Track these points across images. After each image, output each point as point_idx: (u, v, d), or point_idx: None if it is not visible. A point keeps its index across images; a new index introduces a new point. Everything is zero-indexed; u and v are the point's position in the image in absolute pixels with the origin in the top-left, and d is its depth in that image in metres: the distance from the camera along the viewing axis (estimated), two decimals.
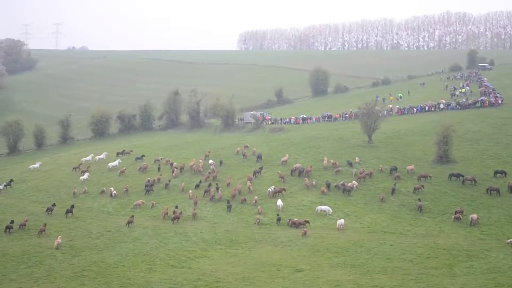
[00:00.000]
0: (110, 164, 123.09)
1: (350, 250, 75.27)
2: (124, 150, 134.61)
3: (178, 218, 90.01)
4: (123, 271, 68.95)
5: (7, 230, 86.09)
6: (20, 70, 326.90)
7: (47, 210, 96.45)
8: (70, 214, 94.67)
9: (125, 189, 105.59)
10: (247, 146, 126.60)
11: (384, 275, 66.32)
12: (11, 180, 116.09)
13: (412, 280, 64.25)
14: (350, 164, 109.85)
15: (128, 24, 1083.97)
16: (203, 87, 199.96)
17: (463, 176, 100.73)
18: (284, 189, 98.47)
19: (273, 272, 67.99)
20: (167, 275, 67.20)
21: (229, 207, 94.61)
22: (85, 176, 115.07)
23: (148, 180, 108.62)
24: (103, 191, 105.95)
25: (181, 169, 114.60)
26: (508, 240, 76.66)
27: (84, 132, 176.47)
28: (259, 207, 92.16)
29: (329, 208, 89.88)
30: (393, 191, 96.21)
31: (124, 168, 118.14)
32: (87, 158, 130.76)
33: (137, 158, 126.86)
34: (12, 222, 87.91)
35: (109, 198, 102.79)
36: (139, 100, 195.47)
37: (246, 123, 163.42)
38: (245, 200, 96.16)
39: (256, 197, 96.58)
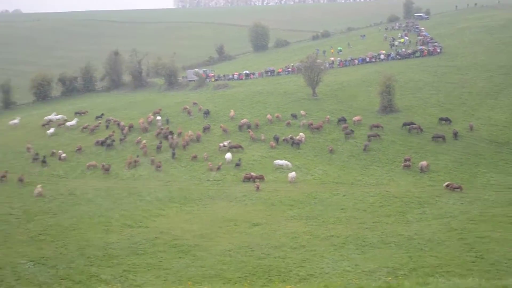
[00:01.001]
0: (68, 124, 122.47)
1: (304, 202, 75.97)
2: (81, 111, 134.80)
3: (108, 170, 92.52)
4: (80, 233, 68.29)
5: None
6: None
7: None
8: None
9: (77, 148, 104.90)
10: (196, 103, 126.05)
11: (340, 225, 67.13)
12: None
13: (367, 229, 65.16)
14: (295, 117, 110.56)
15: None
16: (143, 47, 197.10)
17: (414, 124, 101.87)
18: (241, 146, 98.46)
19: (230, 228, 68.21)
20: (125, 235, 66.82)
21: (173, 155, 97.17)
22: (52, 130, 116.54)
23: (98, 141, 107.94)
24: (53, 153, 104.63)
25: (130, 127, 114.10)
26: (444, 184, 78.44)
27: (26, 96, 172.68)
28: (209, 163, 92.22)
29: (287, 162, 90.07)
30: (365, 147, 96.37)
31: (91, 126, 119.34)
32: (51, 116, 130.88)
33: (97, 117, 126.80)
34: None
35: (58, 162, 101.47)
36: (79, 62, 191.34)
37: (190, 81, 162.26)
38: (195, 157, 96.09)
39: (205, 153, 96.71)
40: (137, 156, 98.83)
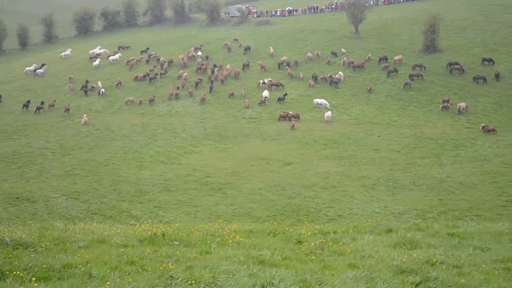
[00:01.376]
0: (111, 58, 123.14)
1: (338, 142, 75.78)
2: (123, 45, 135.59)
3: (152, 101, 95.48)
4: (113, 169, 69.32)
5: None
6: None
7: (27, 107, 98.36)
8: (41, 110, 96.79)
9: (117, 82, 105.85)
10: (237, 40, 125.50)
11: (372, 166, 66.91)
12: None
13: (399, 170, 64.82)
14: (335, 54, 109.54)
15: None
16: None
17: (458, 64, 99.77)
18: (281, 84, 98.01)
19: (262, 166, 68.48)
20: (157, 172, 67.59)
21: (210, 89, 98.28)
22: (97, 62, 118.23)
23: (137, 76, 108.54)
24: (92, 87, 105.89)
25: (170, 63, 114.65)
26: (481, 126, 77.46)
27: (68, 30, 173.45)
28: (246, 100, 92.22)
29: (326, 102, 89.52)
30: (405, 85, 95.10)
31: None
32: (95, 50, 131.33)
33: (142, 51, 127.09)
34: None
35: (96, 96, 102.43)
36: None
37: (232, 16, 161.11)
38: (233, 94, 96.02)
39: (243, 91, 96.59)
40: (177, 89, 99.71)
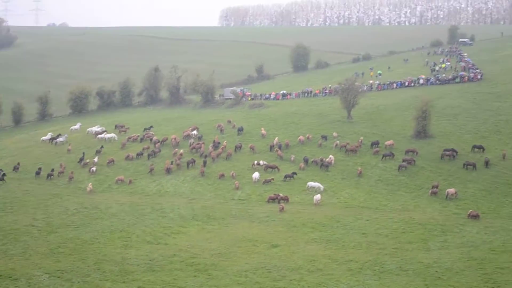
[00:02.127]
0: (106, 136, 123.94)
1: (326, 225, 75.56)
2: (120, 124, 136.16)
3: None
4: (99, 248, 68.82)
5: None
6: None
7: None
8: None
9: (108, 161, 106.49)
10: (230, 121, 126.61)
11: (359, 250, 66.58)
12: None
13: (387, 255, 64.48)
14: (325, 138, 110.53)
15: (110, 0, 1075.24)
16: (184, 64, 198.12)
17: (456, 152, 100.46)
18: (277, 167, 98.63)
19: (249, 248, 68.08)
20: (143, 252, 67.09)
21: (204, 163, 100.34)
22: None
23: (129, 155, 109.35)
24: (85, 164, 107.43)
25: (163, 141, 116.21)
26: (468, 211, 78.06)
27: (63, 109, 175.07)
28: (236, 182, 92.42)
29: (319, 184, 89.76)
30: (400, 168, 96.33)
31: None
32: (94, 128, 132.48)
33: (145, 129, 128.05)
34: None
35: (87, 174, 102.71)
36: (119, 77, 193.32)
37: (226, 99, 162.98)
38: (223, 175, 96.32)
39: (233, 172, 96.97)
40: (171, 163, 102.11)
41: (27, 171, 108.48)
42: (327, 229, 74.08)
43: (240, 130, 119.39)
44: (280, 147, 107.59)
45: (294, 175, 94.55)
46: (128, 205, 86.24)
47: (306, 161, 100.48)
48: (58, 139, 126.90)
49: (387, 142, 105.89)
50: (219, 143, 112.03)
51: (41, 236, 73.49)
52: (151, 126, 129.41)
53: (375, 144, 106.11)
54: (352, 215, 79.30)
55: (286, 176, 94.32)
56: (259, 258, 64.63)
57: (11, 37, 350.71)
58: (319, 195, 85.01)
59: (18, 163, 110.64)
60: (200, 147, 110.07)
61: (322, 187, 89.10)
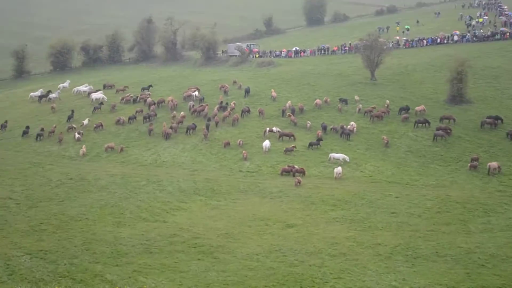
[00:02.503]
0: (93, 96, 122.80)
1: (350, 202, 74.77)
2: (108, 83, 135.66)
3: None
4: (87, 225, 68.26)
5: None
6: None
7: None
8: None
9: (96, 125, 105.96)
10: (236, 82, 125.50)
11: (388, 232, 65.89)
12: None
13: (420, 238, 63.81)
14: (344, 101, 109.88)
15: None
16: (182, 15, 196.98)
17: (501, 120, 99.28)
18: (293, 135, 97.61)
19: (260, 228, 67.44)
20: (138, 230, 66.53)
21: (207, 127, 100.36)
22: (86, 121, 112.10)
23: (120, 119, 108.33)
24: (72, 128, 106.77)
25: (159, 103, 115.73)
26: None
27: (43, 65, 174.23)
28: (244, 151, 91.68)
29: (345, 156, 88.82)
30: (435, 137, 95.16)
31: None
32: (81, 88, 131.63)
33: (143, 89, 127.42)
34: None
35: (71, 141, 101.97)
36: (107, 30, 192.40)
37: (230, 56, 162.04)
38: (228, 143, 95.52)
39: (240, 140, 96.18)
40: (171, 128, 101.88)
41: (2, 136, 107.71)
42: (351, 207, 73.31)
43: (247, 91, 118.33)
44: (293, 112, 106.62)
45: (321, 142, 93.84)
46: (119, 177, 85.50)
47: (324, 128, 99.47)
48: (50, 95, 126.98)
49: (418, 108, 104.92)
50: (227, 104, 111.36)
51: (20, 211, 72.95)
52: (150, 85, 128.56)
53: (404, 109, 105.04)
54: (379, 191, 78.48)
55: (311, 144, 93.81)
56: (272, 240, 64.05)
57: None
58: (340, 167, 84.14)
59: (6, 121, 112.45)
60: (203, 109, 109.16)
61: (347, 158, 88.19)
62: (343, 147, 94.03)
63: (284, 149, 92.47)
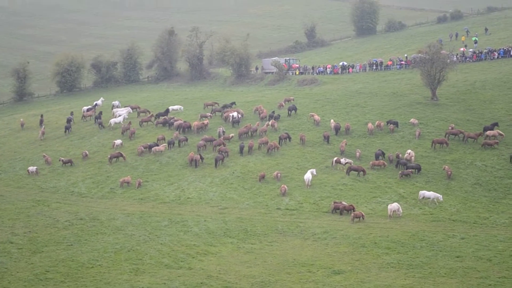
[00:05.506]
0: (112, 121, 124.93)
1: (406, 245, 75.01)
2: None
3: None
4: (100, 273, 69.08)
5: None
6: None
7: None
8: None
9: (112, 155, 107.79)
10: (282, 105, 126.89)
11: (453, 279, 66.07)
12: None
13: (490, 286, 63.97)
14: (395, 124, 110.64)
15: None
16: (208, 25, 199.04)
17: None
18: (363, 170, 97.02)
19: (302, 275, 67.97)
20: (160, 279, 67.31)
21: (241, 148, 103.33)
22: (119, 141, 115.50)
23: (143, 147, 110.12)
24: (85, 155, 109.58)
25: (185, 129, 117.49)
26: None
27: (47, 85, 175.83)
28: (282, 185, 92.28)
29: (437, 195, 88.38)
30: None
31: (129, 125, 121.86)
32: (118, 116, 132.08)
33: (226, 106, 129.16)
34: None
35: (80, 173, 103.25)
36: (122, 43, 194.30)
37: (266, 73, 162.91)
38: (263, 177, 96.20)
39: (277, 172, 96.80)
40: (199, 154, 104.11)
41: (1, 169, 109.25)
42: (408, 250, 73.56)
43: (292, 109, 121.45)
44: (337, 130, 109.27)
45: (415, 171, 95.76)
46: (137, 216, 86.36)
47: (378, 156, 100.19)
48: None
49: (489, 132, 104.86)
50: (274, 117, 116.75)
51: (22, 257, 73.70)
52: (233, 103, 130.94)
53: (488, 129, 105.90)
54: (441, 231, 78.74)
55: (403, 175, 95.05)
56: None
57: None
58: (396, 203, 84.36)
59: None
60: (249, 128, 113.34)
61: (440, 197, 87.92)
62: (397, 179, 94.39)
63: (400, 173, 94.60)
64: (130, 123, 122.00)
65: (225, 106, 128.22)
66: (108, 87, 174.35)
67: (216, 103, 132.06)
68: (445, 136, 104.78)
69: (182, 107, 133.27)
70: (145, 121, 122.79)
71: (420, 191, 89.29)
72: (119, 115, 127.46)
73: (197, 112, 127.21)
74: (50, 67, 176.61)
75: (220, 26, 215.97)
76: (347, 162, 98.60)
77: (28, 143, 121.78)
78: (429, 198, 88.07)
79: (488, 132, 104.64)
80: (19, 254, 74.64)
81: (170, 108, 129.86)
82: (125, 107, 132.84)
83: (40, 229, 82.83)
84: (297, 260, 71.67)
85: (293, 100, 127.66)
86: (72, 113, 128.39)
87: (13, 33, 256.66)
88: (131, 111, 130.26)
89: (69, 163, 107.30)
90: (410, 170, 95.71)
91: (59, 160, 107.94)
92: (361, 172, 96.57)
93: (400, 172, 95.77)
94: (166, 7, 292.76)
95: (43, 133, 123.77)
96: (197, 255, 73.86)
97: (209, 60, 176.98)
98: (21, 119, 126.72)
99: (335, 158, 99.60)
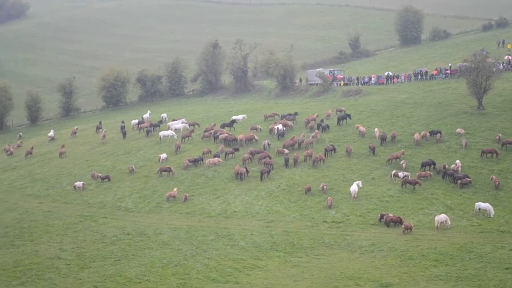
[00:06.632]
0: (162, 134, 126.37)
1: (455, 257, 74.47)
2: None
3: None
4: (148, 287, 69.56)
5: None
6: (6, 19, 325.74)
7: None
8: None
9: (162, 169, 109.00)
10: (329, 116, 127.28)
11: None
12: None
13: None
14: (439, 134, 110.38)
15: None
16: (252, 37, 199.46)
17: None
18: (418, 182, 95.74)
19: None
20: None
21: (286, 161, 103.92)
22: (164, 155, 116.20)
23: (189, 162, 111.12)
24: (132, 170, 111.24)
25: (230, 141, 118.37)
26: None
27: (93, 100, 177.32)
28: (328, 198, 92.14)
29: (491, 207, 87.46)
30: None
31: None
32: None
33: (287, 115, 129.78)
34: None
35: (127, 188, 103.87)
36: (167, 56, 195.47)
37: (311, 84, 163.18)
38: (309, 189, 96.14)
39: (324, 184, 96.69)
40: (245, 168, 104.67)
41: (49, 185, 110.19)
42: (456, 262, 73.04)
43: (343, 118, 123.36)
44: (383, 140, 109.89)
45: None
46: (184, 230, 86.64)
47: (425, 165, 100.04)
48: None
49: None
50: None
51: (70, 273, 74.34)
52: (296, 113, 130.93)
53: None
54: (490, 242, 78.06)
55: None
56: None
57: (21, 5, 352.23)
58: (444, 215, 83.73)
59: None
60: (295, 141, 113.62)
61: (492, 210, 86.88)
62: (445, 190, 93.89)
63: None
64: (193, 131, 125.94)
65: (285, 116, 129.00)
66: (153, 101, 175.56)
67: (276, 114, 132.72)
68: (502, 146, 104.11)
69: (245, 116, 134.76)
70: (206, 137, 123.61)
71: (476, 203, 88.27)
72: (175, 128, 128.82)
73: (242, 125, 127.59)
74: (95, 82, 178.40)
75: (264, 38, 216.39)
76: (405, 176, 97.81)
77: (74, 158, 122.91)
78: (485, 210, 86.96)
79: None
80: (67, 270, 75.24)
81: (234, 117, 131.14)
82: (179, 119, 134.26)
83: (88, 244, 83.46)
84: (344, 273, 71.45)
85: (345, 110, 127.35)
86: (123, 122, 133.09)
87: (59, 49, 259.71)
88: (187, 125, 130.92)
89: (106, 179, 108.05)
90: (468, 179, 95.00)
91: (97, 177, 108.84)
92: (417, 185, 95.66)
93: (459, 181, 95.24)
94: (210, 19, 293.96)
95: (104, 136, 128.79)
96: (244, 269, 73.89)
97: (253, 72, 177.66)
98: (62, 148, 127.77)
99: (394, 171, 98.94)
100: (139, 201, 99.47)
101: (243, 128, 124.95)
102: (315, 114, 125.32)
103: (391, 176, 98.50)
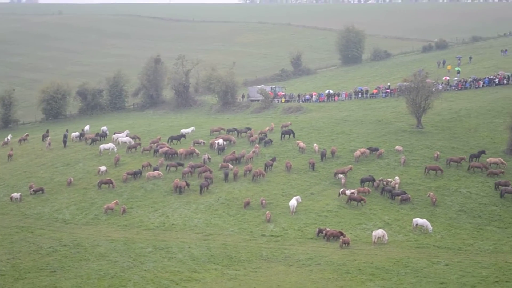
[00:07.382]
0: (102, 147, 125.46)
1: (391, 271, 75.07)
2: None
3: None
4: None
5: None
6: None
7: None
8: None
9: (102, 181, 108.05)
10: (265, 133, 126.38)
11: None
12: None
13: None
14: (375, 151, 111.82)
15: None
16: (195, 53, 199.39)
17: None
18: (362, 199, 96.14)
19: None
20: None
21: (225, 175, 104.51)
22: (103, 168, 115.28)
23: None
24: (70, 182, 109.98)
25: (169, 155, 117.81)
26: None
27: (33, 113, 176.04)
28: (267, 212, 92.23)
29: (429, 223, 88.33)
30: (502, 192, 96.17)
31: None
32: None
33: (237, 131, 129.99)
34: None
35: (65, 200, 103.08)
36: (108, 71, 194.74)
37: (252, 100, 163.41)
38: (248, 203, 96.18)
39: (262, 199, 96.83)
40: (185, 181, 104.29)
41: None
42: (392, 277, 73.64)
43: (287, 133, 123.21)
44: (323, 156, 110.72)
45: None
46: (121, 243, 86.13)
47: (363, 182, 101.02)
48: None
49: (490, 159, 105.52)
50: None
51: (5, 284, 73.60)
52: (249, 128, 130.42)
53: (475, 156, 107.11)
54: (426, 257, 78.80)
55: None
56: None
57: None
58: (381, 230, 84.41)
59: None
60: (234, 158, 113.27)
61: (430, 226, 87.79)
62: (384, 205, 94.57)
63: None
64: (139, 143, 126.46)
65: (241, 131, 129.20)
66: (94, 114, 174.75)
67: (222, 128, 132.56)
68: (447, 163, 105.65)
69: (194, 128, 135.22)
70: (146, 150, 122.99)
71: (413, 219, 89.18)
72: (121, 141, 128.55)
73: (183, 140, 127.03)
74: (35, 94, 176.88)
75: (206, 55, 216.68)
76: (351, 193, 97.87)
77: (12, 169, 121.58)
78: (422, 226, 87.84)
79: (489, 160, 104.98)
80: (1, 281, 74.57)
81: (183, 131, 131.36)
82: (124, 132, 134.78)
83: (23, 255, 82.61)
84: (281, 286, 71.74)
85: (291, 124, 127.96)
86: (67, 131, 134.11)
87: None
88: (131, 140, 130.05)
89: (40, 191, 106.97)
90: (408, 195, 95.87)
91: (29, 188, 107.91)
92: (361, 201, 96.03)
93: (399, 197, 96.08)
94: (153, 35, 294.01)
95: (49, 144, 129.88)
96: (181, 281, 73.76)
97: (195, 88, 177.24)
98: (10, 151, 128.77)
99: (341, 190, 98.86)
100: (77, 213, 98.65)
101: (186, 142, 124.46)
102: (266, 128, 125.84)
103: (339, 194, 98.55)
